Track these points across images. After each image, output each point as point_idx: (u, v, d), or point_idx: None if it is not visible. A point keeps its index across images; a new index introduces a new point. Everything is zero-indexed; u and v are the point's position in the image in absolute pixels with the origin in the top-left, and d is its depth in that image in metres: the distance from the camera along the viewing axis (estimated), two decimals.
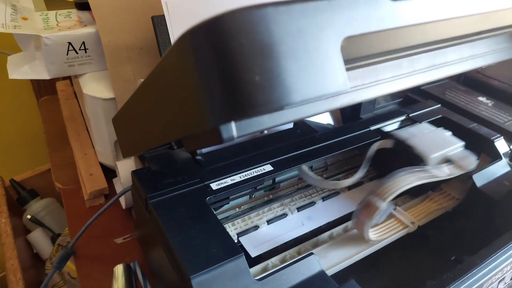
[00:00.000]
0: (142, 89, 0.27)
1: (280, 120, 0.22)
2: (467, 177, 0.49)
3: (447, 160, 0.44)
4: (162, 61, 0.21)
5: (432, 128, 0.49)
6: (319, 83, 0.17)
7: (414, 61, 0.28)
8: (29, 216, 0.76)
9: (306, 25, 0.17)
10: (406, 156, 0.45)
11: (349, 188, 0.49)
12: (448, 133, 0.48)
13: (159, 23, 0.43)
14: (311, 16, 0.17)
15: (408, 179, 0.39)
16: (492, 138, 0.48)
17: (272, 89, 0.16)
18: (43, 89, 0.85)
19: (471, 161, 0.43)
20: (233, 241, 0.32)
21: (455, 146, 0.45)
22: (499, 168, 0.46)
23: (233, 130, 0.19)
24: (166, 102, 0.22)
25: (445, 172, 0.42)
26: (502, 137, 0.49)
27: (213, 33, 0.16)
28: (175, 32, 0.43)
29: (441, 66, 0.31)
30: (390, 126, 0.51)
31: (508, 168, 0.46)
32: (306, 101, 0.17)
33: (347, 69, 0.23)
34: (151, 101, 0.25)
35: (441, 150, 0.44)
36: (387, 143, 0.47)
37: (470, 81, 0.63)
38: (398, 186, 0.39)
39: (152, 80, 0.24)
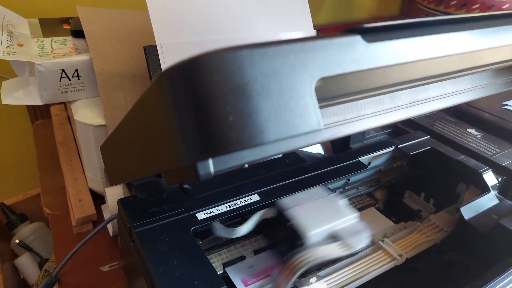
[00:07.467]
0: (126, 121, 0.27)
1: (260, 155, 0.22)
2: (455, 209, 0.49)
3: (334, 236, 0.39)
4: (142, 96, 0.22)
5: (324, 193, 0.43)
6: (293, 123, 0.17)
7: (396, 97, 0.29)
8: (17, 241, 0.75)
9: (280, 66, 0.17)
10: (288, 229, 0.39)
11: None
12: (341, 201, 0.42)
13: (151, 53, 0.44)
14: (285, 58, 0.17)
15: (308, 259, 0.36)
16: (480, 171, 0.48)
17: (245, 129, 0.17)
18: (38, 112, 0.85)
19: (360, 239, 0.38)
20: (216, 273, 0.32)
21: (344, 220, 0.40)
22: (487, 201, 0.46)
23: (210, 166, 0.19)
24: (146, 136, 0.22)
25: (337, 251, 0.38)
26: (491, 169, 0.49)
27: (188, 73, 0.17)
28: None
29: (424, 102, 0.31)
30: (377, 158, 0.52)
31: (496, 201, 0.46)
32: (280, 140, 0.17)
33: (326, 106, 0.24)
34: (133, 133, 0.25)
35: (324, 225, 0.39)
36: (269, 213, 0.41)
37: (460, 112, 0.64)
38: (299, 266, 0.36)
39: (134, 114, 0.25)
